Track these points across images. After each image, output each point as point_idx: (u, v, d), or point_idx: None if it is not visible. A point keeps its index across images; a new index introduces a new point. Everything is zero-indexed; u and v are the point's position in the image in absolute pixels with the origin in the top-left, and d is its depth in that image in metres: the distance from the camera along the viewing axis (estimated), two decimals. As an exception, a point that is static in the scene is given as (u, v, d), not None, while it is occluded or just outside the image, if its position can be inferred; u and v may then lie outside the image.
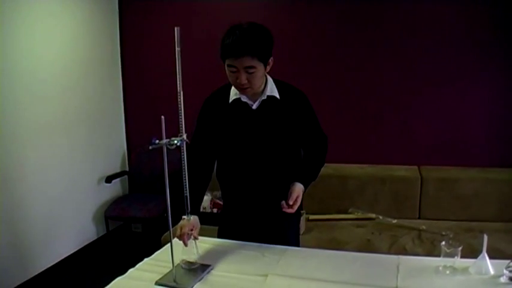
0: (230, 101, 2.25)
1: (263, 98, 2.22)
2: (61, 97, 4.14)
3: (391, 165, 4.29)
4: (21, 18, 3.65)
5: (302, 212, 3.08)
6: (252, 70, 2.05)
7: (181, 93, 1.86)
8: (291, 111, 2.27)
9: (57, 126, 4.10)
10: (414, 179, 4.04)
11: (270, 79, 2.26)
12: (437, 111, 4.24)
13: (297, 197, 2.17)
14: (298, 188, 2.21)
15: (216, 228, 2.52)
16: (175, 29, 1.74)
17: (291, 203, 2.13)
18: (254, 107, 2.24)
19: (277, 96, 2.24)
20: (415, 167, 4.25)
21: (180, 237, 2.01)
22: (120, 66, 4.97)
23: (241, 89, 2.14)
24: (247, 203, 2.38)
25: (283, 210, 2.12)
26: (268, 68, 2.17)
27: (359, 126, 4.39)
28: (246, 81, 2.07)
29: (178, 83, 1.83)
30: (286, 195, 2.19)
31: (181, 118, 1.83)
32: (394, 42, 4.23)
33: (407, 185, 4.05)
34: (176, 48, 1.75)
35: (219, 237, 2.46)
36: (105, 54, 4.75)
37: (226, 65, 2.09)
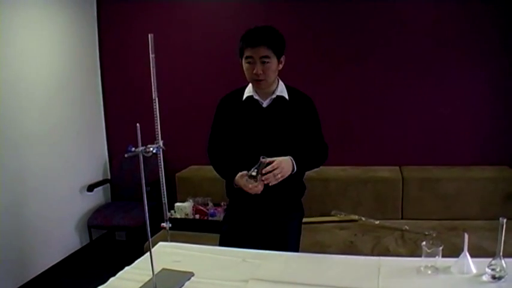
0: (243, 98, 2.46)
1: (273, 97, 2.44)
2: (41, 106, 4.10)
3: (373, 167, 4.31)
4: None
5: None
6: (267, 60, 2.30)
7: (157, 100, 1.87)
8: (297, 112, 2.46)
9: (38, 136, 4.06)
10: (396, 180, 4.06)
11: (281, 82, 2.49)
12: (417, 111, 4.26)
13: (278, 165, 2.24)
14: (282, 159, 2.29)
15: (199, 234, 2.53)
16: (149, 36, 1.75)
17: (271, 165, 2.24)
18: (264, 104, 2.45)
19: (286, 97, 2.45)
20: (397, 168, 4.27)
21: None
22: (99, 73, 4.93)
23: (256, 81, 2.35)
24: (252, 197, 2.47)
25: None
26: (281, 66, 2.40)
27: (340, 129, 4.37)
28: (262, 72, 2.30)
29: (153, 89, 1.84)
30: (288, 192, 2.49)
31: (157, 125, 1.83)
32: (375, 44, 4.25)
33: (389, 185, 4.06)
34: (150, 55, 1.75)
35: (222, 236, 2.62)
36: (84, 62, 4.71)
37: (243, 60, 2.35)
